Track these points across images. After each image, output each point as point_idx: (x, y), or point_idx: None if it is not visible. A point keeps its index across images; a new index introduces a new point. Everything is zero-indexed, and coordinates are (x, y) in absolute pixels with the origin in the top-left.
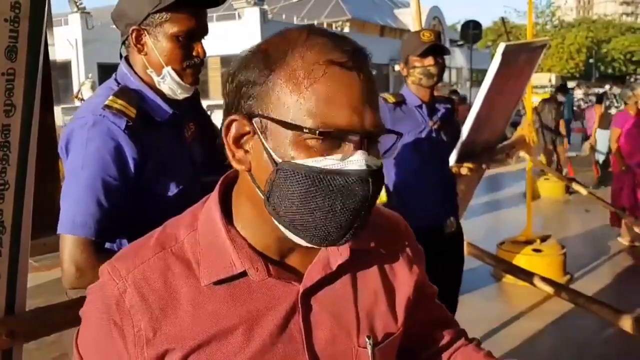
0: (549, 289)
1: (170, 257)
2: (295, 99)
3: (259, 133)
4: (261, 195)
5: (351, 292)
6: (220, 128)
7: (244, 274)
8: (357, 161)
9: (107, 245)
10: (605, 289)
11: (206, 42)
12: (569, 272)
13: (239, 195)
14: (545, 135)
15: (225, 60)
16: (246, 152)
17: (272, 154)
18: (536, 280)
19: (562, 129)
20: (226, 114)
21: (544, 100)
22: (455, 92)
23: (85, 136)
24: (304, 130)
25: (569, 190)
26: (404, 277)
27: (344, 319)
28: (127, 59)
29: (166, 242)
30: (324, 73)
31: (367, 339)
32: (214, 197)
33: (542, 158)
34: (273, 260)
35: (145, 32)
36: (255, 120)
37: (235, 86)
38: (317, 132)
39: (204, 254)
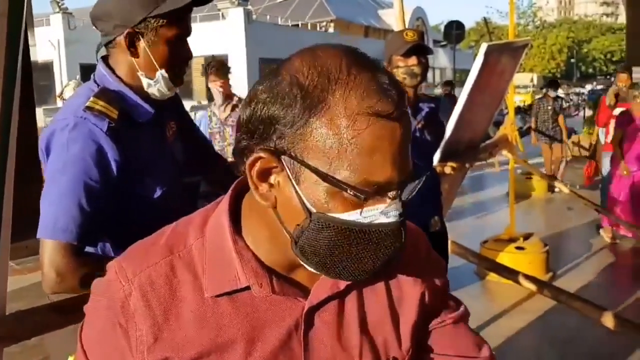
0: (531, 287)
1: (178, 263)
2: (335, 150)
3: (290, 175)
4: (287, 235)
5: (357, 311)
6: (235, 152)
7: (248, 287)
8: (392, 213)
9: (90, 249)
10: (588, 286)
11: (190, 42)
12: (552, 270)
13: (251, 210)
14: (542, 138)
15: (209, 61)
16: (271, 185)
17: (306, 201)
18: (519, 278)
19: (562, 125)
20: (246, 139)
21: (539, 100)
22: (450, 82)
23: (66, 138)
24: (348, 192)
25: (551, 189)
26: (412, 300)
27: (347, 339)
28: (104, 60)
29: (175, 246)
30: (368, 125)
31: None
32: (224, 204)
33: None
34: (279, 274)
35: (140, 35)
36: (285, 158)
37: (268, 118)
38: (361, 196)
39: (209, 264)
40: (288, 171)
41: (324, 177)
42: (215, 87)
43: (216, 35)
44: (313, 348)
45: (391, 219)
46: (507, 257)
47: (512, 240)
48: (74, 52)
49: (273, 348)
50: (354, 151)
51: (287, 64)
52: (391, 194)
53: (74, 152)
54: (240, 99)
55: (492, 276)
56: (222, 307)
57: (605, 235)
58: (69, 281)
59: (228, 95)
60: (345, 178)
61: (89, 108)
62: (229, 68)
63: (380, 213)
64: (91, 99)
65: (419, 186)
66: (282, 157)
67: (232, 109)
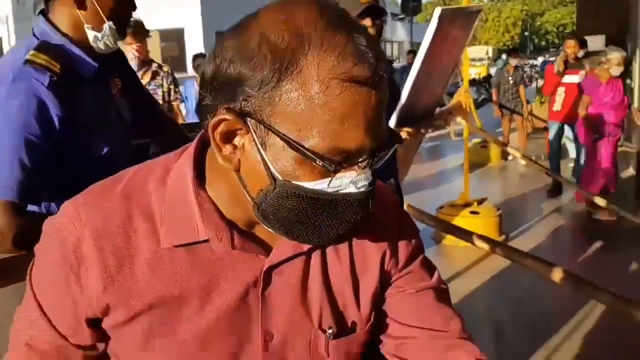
0: (484, 246)
1: (135, 210)
2: (305, 116)
3: (256, 139)
4: (250, 199)
5: (320, 272)
6: (197, 108)
7: (207, 240)
8: (361, 183)
9: (34, 208)
10: (539, 247)
11: (144, 17)
12: (505, 233)
13: (214, 165)
14: (504, 111)
15: (164, 35)
16: (235, 148)
17: (271, 168)
18: (473, 238)
19: (523, 97)
20: (210, 97)
21: (499, 71)
22: (414, 51)
23: (5, 93)
24: (317, 162)
25: (505, 157)
26: (374, 265)
27: (308, 299)
28: (44, 15)
29: (133, 192)
30: (342, 91)
31: (327, 329)
32: (188, 154)
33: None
34: (240, 230)
35: None
36: (251, 121)
37: (234, 77)
38: (331, 167)
39: (168, 214)
40: (254, 135)
41: (292, 145)
42: (131, 51)
43: (171, 9)
44: (271, 306)
45: (360, 189)
46: (462, 222)
47: (466, 205)
48: (24, 29)
49: (229, 303)
50: (325, 117)
51: (256, 19)
52: (362, 162)
53: (14, 107)
54: (160, 65)
55: (448, 240)
56: (178, 259)
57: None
58: (9, 241)
59: (144, 61)
60: (314, 145)
61: (29, 61)
62: (147, 31)
63: (350, 182)
64: (31, 52)
65: (389, 154)
66: (248, 119)
67: (153, 77)
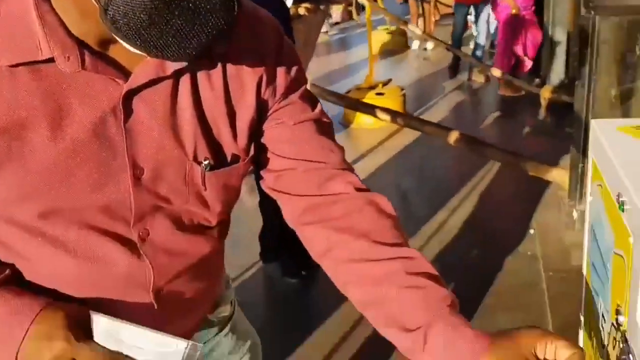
0: (386, 118)
1: None
2: None
3: None
4: (94, 2)
5: (189, 99)
6: None
7: (52, 60)
8: None
9: None
10: (442, 120)
11: None
12: (409, 111)
13: None
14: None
15: None
16: None
17: None
18: (375, 111)
19: None
20: None
21: None
22: None
23: None
24: None
25: (407, 44)
26: (250, 93)
27: (177, 129)
28: None
29: None
30: None
31: (203, 161)
32: None
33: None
34: (92, 50)
35: None
36: None
37: None
38: None
39: (4, 30)
40: None
41: None
42: None
43: None
44: (136, 137)
45: None
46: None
47: (372, 88)
48: None
49: (84, 133)
50: None
51: None
52: None
53: None
54: None
55: (356, 123)
56: (20, 81)
57: (479, 76)
58: None
59: None
60: None
61: None
62: None
63: None
64: None
65: None
66: None
67: None
